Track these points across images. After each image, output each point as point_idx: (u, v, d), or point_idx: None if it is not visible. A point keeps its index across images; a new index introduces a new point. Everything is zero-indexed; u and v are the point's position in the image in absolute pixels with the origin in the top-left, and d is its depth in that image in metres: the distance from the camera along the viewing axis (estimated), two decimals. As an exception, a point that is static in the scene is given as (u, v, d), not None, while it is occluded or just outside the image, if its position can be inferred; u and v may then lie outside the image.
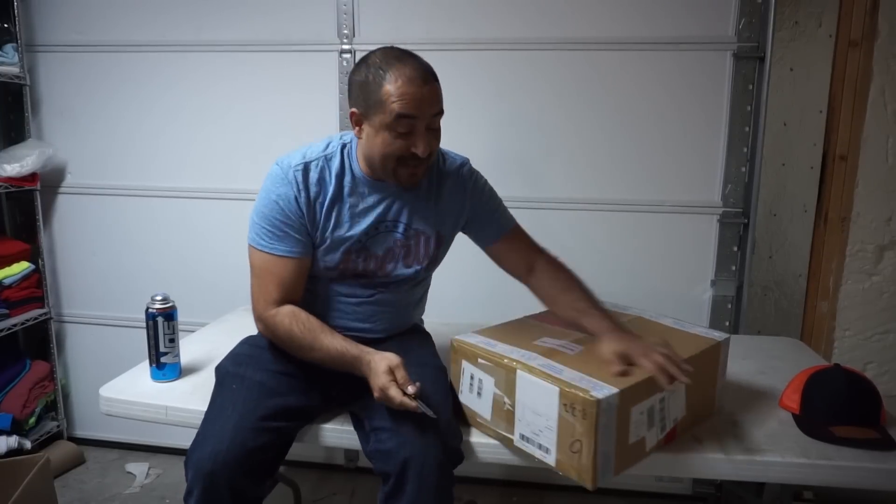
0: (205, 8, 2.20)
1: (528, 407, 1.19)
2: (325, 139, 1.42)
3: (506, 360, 1.23)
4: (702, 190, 2.07)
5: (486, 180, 1.53)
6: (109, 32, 2.26)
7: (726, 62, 1.99)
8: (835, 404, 1.33)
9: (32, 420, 2.35)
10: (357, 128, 1.32)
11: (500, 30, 2.07)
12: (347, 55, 2.13)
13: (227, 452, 1.16)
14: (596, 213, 2.12)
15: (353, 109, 1.30)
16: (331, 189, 1.35)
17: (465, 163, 1.50)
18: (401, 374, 1.19)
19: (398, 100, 1.23)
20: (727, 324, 2.11)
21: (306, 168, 1.34)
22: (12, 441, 2.19)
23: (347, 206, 1.37)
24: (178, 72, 2.25)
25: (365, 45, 2.12)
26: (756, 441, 1.28)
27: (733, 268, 2.08)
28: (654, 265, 2.12)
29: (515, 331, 1.39)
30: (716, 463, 1.24)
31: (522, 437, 1.22)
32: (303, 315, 1.33)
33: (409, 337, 1.52)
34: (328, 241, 1.37)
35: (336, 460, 2.39)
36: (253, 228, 1.37)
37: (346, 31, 2.13)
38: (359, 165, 1.37)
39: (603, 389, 1.11)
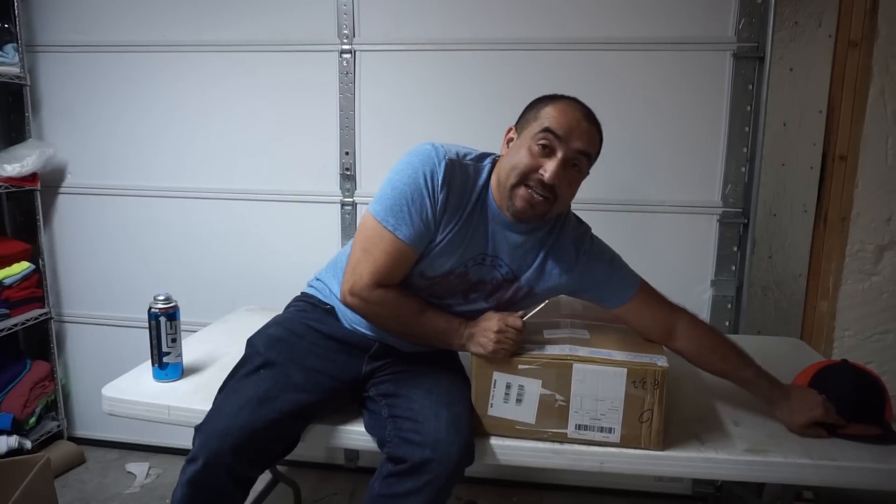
0: (205, 8, 2.20)
1: (587, 396, 1.24)
2: (484, 152, 1.37)
3: (556, 359, 1.25)
4: (702, 190, 2.07)
5: (604, 246, 1.44)
6: (109, 32, 2.26)
7: (726, 62, 1.99)
8: (841, 401, 1.32)
9: (33, 420, 2.34)
10: (506, 146, 1.32)
11: (501, 30, 2.07)
12: (347, 55, 2.13)
13: (238, 436, 1.19)
14: (595, 213, 2.08)
15: (511, 126, 1.33)
16: (469, 203, 1.30)
17: (586, 229, 1.43)
18: (505, 315, 1.28)
19: (551, 116, 1.25)
20: (727, 324, 2.11)
21: (457, 166, 1.28)
22: (12, 441, 2.19)
23: (474, 229, 1.31)
24: (178, 72, 2.25)
25: (365, 45, 2.12)
26: (757, 441, 1.28)
27: (733, 268, 2.08)
28: (653, 265, 2.09)
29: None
30: (716, 463, 1.25)
31: (579, 426, 1.26)
32: (402, 294, 1.31)
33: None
34: (442, 250, 1.31)
35: (336, 460, 2.39)
36: (382, 200, 1.27)
37: (346, 31, 2.13)
38: (492, 195, 1.32)
39: (660, 359, 1.25)
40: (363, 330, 1.41)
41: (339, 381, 1.37)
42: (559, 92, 1.33)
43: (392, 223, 1.25)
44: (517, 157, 1.25)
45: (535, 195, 1.24)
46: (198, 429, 1.23)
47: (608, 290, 1.40)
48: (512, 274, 1.36)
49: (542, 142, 1.24)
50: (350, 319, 1.42)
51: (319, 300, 1.48)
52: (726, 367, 1.38)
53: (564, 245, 1.38)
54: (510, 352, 1.25)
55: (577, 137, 1.25)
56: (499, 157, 1.36)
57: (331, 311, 1.45)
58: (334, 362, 1.38)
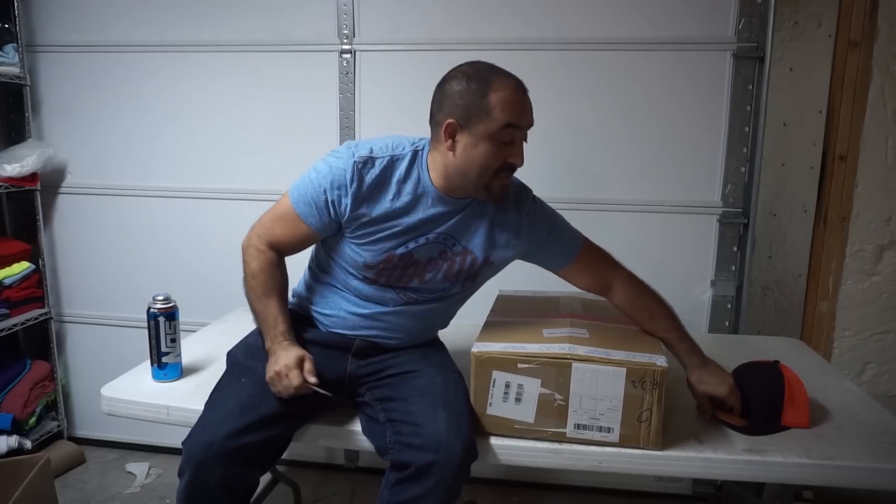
0: (205, 8, 2.20)
1: (586, 395, 1.24)
2: (393, 138, 1.38)
3: (555, 358, 1.24)
4: (702, 190, 2.07)
5: (546, 208, 1.48)
6: (109, 32, 2.26)
7: (726, 62, 1.99)
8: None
9: (33, 420, 2.35)
10: (450, 140, 1.29)
11: (501, 30, 2.07)
12: (347, 55, 2.13)
13: (221, 445, 1.18)
14: (595, 213, 2.11)
15: (451, 120, 1.26)
16: (390, 192, 1.33)
17: (527, 192, 1.47)
18: (308, 366, 1.27)
19: (506, 108, 1.24)
20: (727, 324, 2.11)
21: (369, 162, 1.32)
22: (13, 441, 2.19)
23: (405, 211, 1.34)
24: (178, 72, 2.25)
25: (365, 45, 2.12)
26: (755, 441, 1.28)
27: (733, 268, 2.08)
28: (653, 265, 2.09)
29: (516, 331, 1.39)
30: (714, 463, 1.24)
31: (578, 426, 1.26)
32: (277, 270, 1.38)
33: (425, 345, 1.50)
34: (375, 238, 1.34)
35: (336, 460, 2.39)
36: (301, 181, 1.36)
37: (346, 31, 2.13)
38: (428, 175, 1.34)
39: (659, 358, 1.24)
40: (341, 331, 1.42)
41: (324, 382, 1.35)
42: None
43: (295, 200, 1.35)
44: (484, 157, 1.27)
45: (507, 180, 1.33)
46: (183, 442, 1.22)
47: (554, 251, 1.45)
48: (461, 246, 1.38)
49: (506, 139, 1.27)
50: (326, 325, 1.44)
51: (297, 312, 1.49)
52: (653, 327, 1.43)
53: (507, 210, 1.41)
54: (283, 393, 1.26)
55: (529, 116, 1.31)
56: (419, 141, 1.38)
57: (308, 320, 1.47)
58: (316, 364, 1.37)
